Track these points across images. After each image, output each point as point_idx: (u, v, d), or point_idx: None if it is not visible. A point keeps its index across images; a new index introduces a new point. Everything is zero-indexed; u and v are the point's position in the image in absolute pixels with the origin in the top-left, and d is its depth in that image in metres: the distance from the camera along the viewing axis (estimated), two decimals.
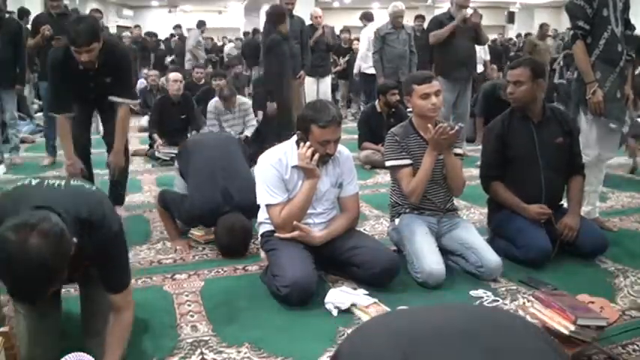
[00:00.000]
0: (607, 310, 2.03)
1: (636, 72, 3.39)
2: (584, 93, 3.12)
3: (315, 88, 7.40)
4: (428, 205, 2.78)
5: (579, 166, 3.00)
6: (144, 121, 7.25)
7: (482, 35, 5.56)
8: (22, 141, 6.09)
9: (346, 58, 9.07)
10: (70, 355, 1.47)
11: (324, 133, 2.44)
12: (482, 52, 8.14)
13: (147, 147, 5.84)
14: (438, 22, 5.40)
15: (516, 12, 18.54)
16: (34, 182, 1.70)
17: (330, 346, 2.03)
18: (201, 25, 11.16)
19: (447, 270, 2.58)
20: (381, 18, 8.77)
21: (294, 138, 2.60)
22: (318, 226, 2.61)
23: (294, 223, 2.52)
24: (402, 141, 2.75)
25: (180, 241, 3.08)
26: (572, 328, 1.83)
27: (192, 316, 2.27)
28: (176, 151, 3.87)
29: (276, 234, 2.58)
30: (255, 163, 2.76)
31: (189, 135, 5.57)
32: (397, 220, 2.82)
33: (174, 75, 5.80)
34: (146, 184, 4.59)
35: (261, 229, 2.69)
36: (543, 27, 8.44)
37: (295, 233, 2.52)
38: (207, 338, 2.11)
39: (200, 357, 1.98)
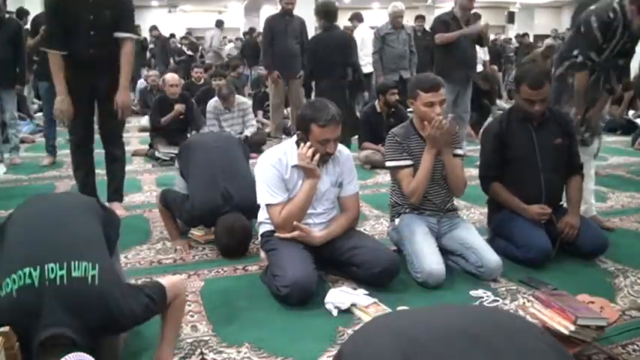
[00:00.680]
0: (607, 310, 2.03)
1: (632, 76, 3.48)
2: (564, 91, 3.24)
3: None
4: (428, 206, 2.78)
5: (578, 166, 3.00)
6: (144, 121, 7.25)
7: (486, 39, 5.55)
8: (22, 141, 6.09)
9: None
10: (70, 355, 1.46)
11: (324, 132, 2.44)
12: (481, 53, 8.14)
13: (147, 147, 5.83)
14: (442, 22, 5.31)
15: (516, 12, 18.54)
16: (35, 278, 1.53)
17: (330, 346, 2.03)
18: (220, 24, 11.24)
19: (447, 270, 2.58)
20: (381, 18, 8.77)
21: (294, 138, 2.60)
22: (318, 226, 2.61)
23: (294, 223, 2.52)
24: (403, 142, 2.75)
25: (181, 241, 3.08)
26: (572, 328, 1.83)
27: (192, 316, 2.27)
28: (176, 151, 3.87)
29: (276, 234, 2.58)
30: None
31: (189, 135, 5.57)
32: (397, 220, 2.82)
33: (170, 78, 5.78)
34: (146, 184, 4.59)
35: (261, 229, 2.69)
36: (550, 50, 8.43)
37: (295, 233, 2.52)
38: (207, 338, 2.11)
39: (200, 357, 1.98)
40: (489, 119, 5.69)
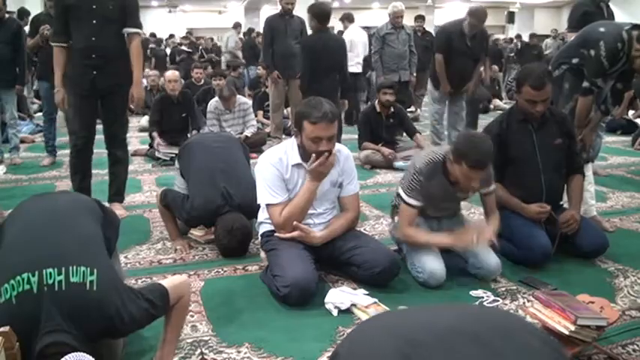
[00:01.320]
0: (607, 310, 2.03)
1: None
2: (560, 94, 3.27)
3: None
4: (437, 214, 2.79)
5: (579, 166, 3.00)
6: (144, 121, 7.25)
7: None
8: (22, 141, 6.08)
9: None
10: (70, 355, 1.46)
11: (315, 129, 2.41)
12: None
13: (147, 147, 5.83)
14: (447, 37, 5.19)
15: (516, 12, 18.54)
16: (34, 283, 1.53)
17: (330, 346, 2.03)
18: (237, 26, 11.35)
19: (447, 270, 2.58)
20: (381, 18, 8.76)
21: (294, 137, 2.59)
22: (319, 227, 2.61)
23: (295, 223, 2.52)
24: (425, 182, 2.59)
25: (181, 241, 3.08)
26: (572, 328, 1.83)
27: (192, 316, 2.27)
28: (176, 151, 3.88)
29: (276, 234, 2.58)
30: None
31: (189, 135, 5.57)
32: (397, 219, 2.82)
33: (170, 74, 5.78)
34: (146, 184, 4.59)
35: (262, 229, 2.69)
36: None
37: (295, 233, 2.52)
38: (207, 338, 2.11)
39: (200, 357, 1.98)
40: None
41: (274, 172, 2.53)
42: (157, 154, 5.47)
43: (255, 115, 6.50)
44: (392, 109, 5.23)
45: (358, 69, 7.60)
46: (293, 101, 6.24)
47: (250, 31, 12.35)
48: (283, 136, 6.17)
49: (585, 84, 3.21)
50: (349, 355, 1.09)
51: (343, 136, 6.29)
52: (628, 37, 3.06)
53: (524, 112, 2.87)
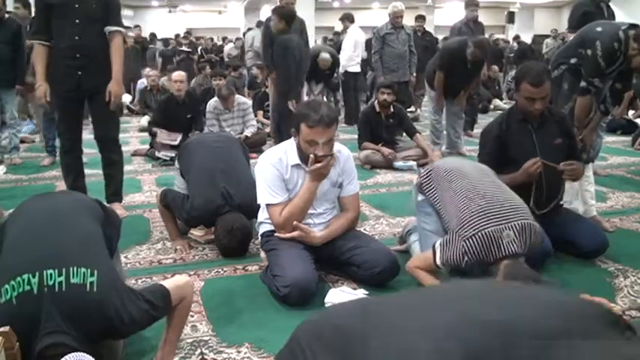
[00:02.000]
0: None
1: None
2: (559, 94, 3.27)
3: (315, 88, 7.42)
4: None
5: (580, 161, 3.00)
6: (144, 121, 7.25)
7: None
8: (22, 141, 6.09)
9: None
10: (70, 355, 1.46)
11: (311, 132, 2.40)
12: None
13: (147, 147, 5.83)
14: (450, 59, 5.29)
15: (516, 12, 18.54)
16: (34, 284, 1.53)
17: None
18: (260, 24, 11.37)
19: None
20: (381, 18, 8.76)
21: (294, 137, 2.60)
22: (319, 227, 2.61)
23: (294, 223, 2.52)
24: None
25: (181, 241, 3.08)
26: None
27: (192, 316, 2.27)
28: (176, 152, 3.88)
29: (276, 234, 2.58)
30: None
31: (190, 135, 5.56)
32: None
33: (176, 75, 5.78)
34: (146, 184, 4.59)
35: (262, 229, 2.69)
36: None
37: (295, 233, 2.52)
38: (207, 338, 2.11)
39: (200, 357, 1.99)
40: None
41: (274, 172, 2.54)
42: (157, 154, 5.47)
43: (255, 115, 6.50)
44: (392, 109, 5.23)
45: (358, 69, 7.62)
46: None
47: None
48: None
49: (583, 84, 3.21)
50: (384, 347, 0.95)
51: (343, 136, 6.30)
52: (625, 36, 3.07)
53: (523, 112, 2.87)
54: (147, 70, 8.82)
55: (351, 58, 7.43)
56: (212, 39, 14.74)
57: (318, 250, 2.57)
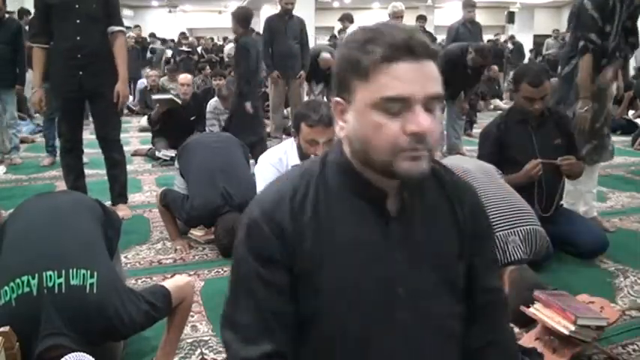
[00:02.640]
0: (607, 310, 2.03)
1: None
2: (571, 91, 3.16)
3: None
4: None
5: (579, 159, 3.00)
6: (144, 121, 7.25)
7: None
8: (22, 141, 6.09)
9: None
10: (70, 355, 1.46)
11: (311, 132, 2.39)
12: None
13: (147, 147, 5.83)
14: (452, 65, 5.19)
15: (516, 12, 18.53)
16: (34, 286, 1.53)
17: None
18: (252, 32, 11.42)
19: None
20: (381, 18, 8.75)
21: (294, 137, 2.59)
22: None
23: None
24: None
25: (181, 241, 3.08)
26: (572, 328, 1.83)
27: (192, 316, 2.26)
28: (176, 152, 3.87)
29: None
30: None
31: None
32: None
33: (182, 78, 5.77)
34: (146, 184, 4.59)
35: None
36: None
37: None
38: (207, 338, 2.11)
39: (200, 357, 1.99)
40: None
41: (274, 172, 2.53)
42: (157, 153, 5.46)
43: None
44: None
45: None
46: (293, 101, 6.25)
47: (251, 31, 12.41)
48: (283, 136, 6.17)
49: (581, 43, 3.11)
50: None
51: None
52: None
53: (522, 112, 2.87)
54: (147, 70, 8.82)
55: None
56: (212, 39, 14.73)
57: None
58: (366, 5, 20.48)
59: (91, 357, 1.48)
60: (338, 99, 0.97)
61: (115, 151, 3.65)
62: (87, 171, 3.76)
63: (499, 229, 2.25)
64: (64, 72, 3.34)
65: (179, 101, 5.47)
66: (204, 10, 22.69)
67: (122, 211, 3.46)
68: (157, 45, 12.76)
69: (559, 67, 3.46)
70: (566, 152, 2.92)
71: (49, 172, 5.04)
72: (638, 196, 4.11)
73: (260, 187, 2.58)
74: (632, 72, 8.42)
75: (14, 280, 1.54)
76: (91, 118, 3.72)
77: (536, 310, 1.96)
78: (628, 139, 6.51)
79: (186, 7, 22.47)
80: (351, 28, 7.59)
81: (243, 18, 5.10)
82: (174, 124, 5.54)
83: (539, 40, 15.86)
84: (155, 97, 5.84)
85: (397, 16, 6.67)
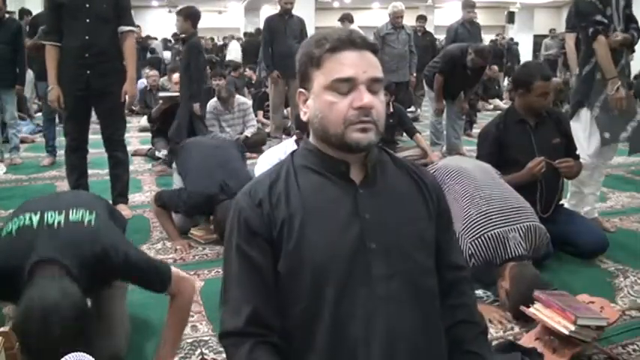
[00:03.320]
0: (607, 310, 2.03)
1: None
2: (592, 90, 3.12)
3: None
4: None
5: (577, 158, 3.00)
6: (144, 121, 7.24)
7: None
8: (22, 141, 6.08)
9: None
10: (70, 355, 1.46)
11: None
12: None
13: (147, 147, 5.82)
14: (451, 65, 5.28)
15: (516, 12, 18.53)
16: (35, 221, 1.65)
17: None
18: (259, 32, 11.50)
19: None
20: (381, 18, 8.76)
21: (294, 137, 2.60)
22: None
23: None
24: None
25: (181, 241, 3.08)
26: (572, 328, 1.83)
27: (192, 316, 2.26)
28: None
29: None
30: None
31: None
32: None
33: (176, 77, 5.75)
34: (146, 184, 4.59)
35: None
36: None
37: None
38: (207, 338, 2.11)
39: (200, 357, 1.99)
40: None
41: None
42: (157, 153, 5.46)
43: (255, 115, 6.50)
44: (391, 109, 5.23)
45: None
46: (293, 101, 6.24)
47: (258, 31, 12.41)
48: (283, 136, 6.17)
49: (590, 30, 3.05)
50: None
51: None
52: None
53: (526, 111, 2.88)
54: (147, 71, 8.81)
55: None
56: (212, 39, 14.71)
57: None
58: (366, 5, 20.47)
59: (90, 357, 1.48)
60: (301, 89, 1.17)
61: (119, 151, 3.66)
62: (88, 170, 3.76)
63: (499, 226, 2.26)
64: (72, 71, 3.35)
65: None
66: (204, 10, 22.56)
67: (122, 211, 3.45)
68: (156, 45, 12.77)
69: (577, 69, 3.41)
70: (565, 152, 2.93)
71: (49, 172, 5.04)
72: (638, 196, 4.11)
73: None
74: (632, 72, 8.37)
75: (18, 216, 1.69)
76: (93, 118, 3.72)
77: (536, 310, 1.96)
78: None
79: None
80: (352, 28, 7.59)
81: (192, 17, 5.08)
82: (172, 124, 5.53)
83: (539, 40, 15.84)
84: (161, 94, 5.83)
85: (397, 16, 6.68)
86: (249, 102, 6.36)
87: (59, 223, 1.65)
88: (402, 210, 1.16)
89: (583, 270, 2.76)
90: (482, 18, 6.77)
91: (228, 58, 12.01)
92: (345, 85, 1.09)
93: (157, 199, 3.08)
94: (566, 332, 1.84)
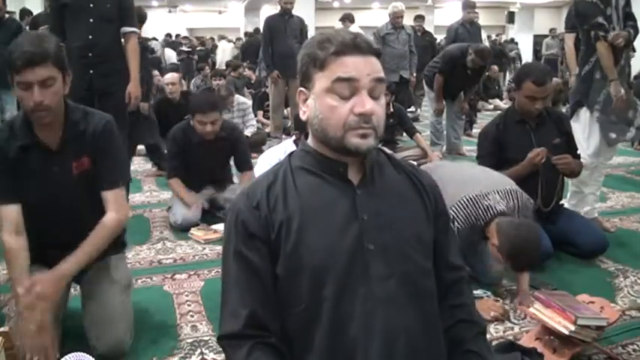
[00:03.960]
0: (607, 310, 2.03)
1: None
2: (591, 90, 3.12)
3: None
4: None
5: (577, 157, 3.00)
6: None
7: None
8: None
9: None
10: (70, 355, 1.46)
11: None
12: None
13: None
14: (452, 65, 5.29)
15: (516, 12, 18.53)
16: None
17: None
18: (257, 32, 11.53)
19: None
20: (381, 18, 8.76)
21: (293, 138, 2.60)
22: None
23: None
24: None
25: (193, 198, 3.39)
26: (572, 328, 1.83)
27: (192, 316, 2.27)
28: None
29: None
30: None
31: None
32: None
33: (168, 77, 5.73)
34: (146, 184, 4.60)
35: None
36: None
37: None
38: (207, 338, 2.11)
39: (200, 357, 1.99)
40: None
41: None
42: None
43: (255, 115, 6.50)
44: (391, 109, 5.22)
45: None
46: (293, 101, 6.24)
47: (257, 31, 12.42)
48: (283, 136, 6.17)
49: (592, 34, 3.06)
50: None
51: None
52: None
53: (522, 112, 2.87)
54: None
55: None
56: (213, 39, 14.70)
57: None
58: (366, 5, 20.47)
59: (90, 357, 1.48)
60: (301, 88, 1.16)
61: None
62: None
63: (477, 189, 2.28)
64: (74, 71, 3.34)
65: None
66: (204, 10, 22.68)
67: None
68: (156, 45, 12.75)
69: (576, 68, 3.41)
70: (565, 152, 2.92)
71: None
72: (638, 196, 4.11)
73: None
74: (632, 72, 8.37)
75: None
76: None
77: (536, 310, 1.96)
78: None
79: (186, 7, 22.47)
80: (352, 29, 7.60)
81: (140, 18, 5.09)
82: (168, 124, 5.52)
83: (539, 40, 15.82)
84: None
85: (397, 16, 6.67)
86: (249, 102, 6.35)
87: None
88: (400, 211, 1.16)
89: (583, 270, 2.76)
90: (482, 18, 6.77)
91: (217, 58, 12.01)
92: (346, 87, 1.08)
93: (168, 174, 3.54)
94: (566, 332, 1.84)
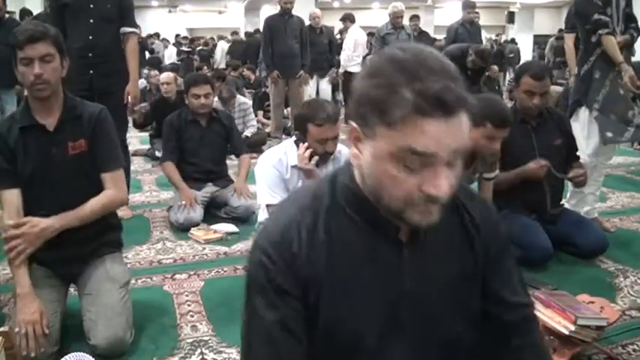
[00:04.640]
0: (607, 310, 2.03)
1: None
2: (590, 89, 3.13)
3: (315, 88, 7.42)
4: None
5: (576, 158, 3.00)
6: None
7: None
8: None
9: None
10: (70, 355, 1.47)
11: (321, 131, 2.43)
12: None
13: (147, 147, 5.82)
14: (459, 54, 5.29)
15: (516, 12, 18.54)
16: None
17: None
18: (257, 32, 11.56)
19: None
20: (381, 18, 8.76)
21: (293, 138, 2.60)
22: None
23: None
24: None
25: (188, 194, 3.41)
26: (572, 328, 1.83)
27: (192, 316, 2.27)
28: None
29: None
30: None
31: None
32: None
33: (164, 76, 5.72)
34: (146, 184, 4.59)
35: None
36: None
37: None
38: (207, 338, 2.11)
39: (200, 357, 1.99)
40: None
41: (274, 172, 2.53)
42: (157, 153, 5.45)
43: (256, 115, 6.50)
44: None
45: (358, 69, 7.63)
46: (293, 101, 6.25)
47: (257, 31, 12.43)
48: (283, 136, 6.17)
49: (594, 38, 3.06)
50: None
51: (343, 137, 6.29)
52: None
53: (522, 110, 2.87)
54: (146, 71, 8.81)
55: (351, 58, 7.43)
56: (213, 39, 14.71)
57: None
58: (366, 5, 20.48)
59: (90, 357, 1.48)
60: (356, 126, 0.90)
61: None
62: None
63: None
64: (74, 71, 3.34)
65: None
66: (204, 10, 22.69)
67: (122, 211, 3.45)
68: (157, 45, 12.78)
69: (575, 68, 3.41)
70: (566, 153, 2.92)
71: None
72: (638, 196, 4.11)
73: (260, 187, 2.58)
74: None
75: None
76: None
77: (537, 310, 1.96)
78: None
79: (186, 7, 22.48)
80: (353, 28, 7.60)
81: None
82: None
83: (539, 40, 15.83)
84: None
85: (397, 16, 6.68)
86: (250, 102, 6.36)
87: None
88: (446, 272, 1.00)
89: (583, 270, 2.76)
90: (482, 18, 6.78)
91: (216, 57, 12.02)
92: (418, 161, 0.84)
93: (163, 166, 3.61)
94: (566, 332, 1.84)
